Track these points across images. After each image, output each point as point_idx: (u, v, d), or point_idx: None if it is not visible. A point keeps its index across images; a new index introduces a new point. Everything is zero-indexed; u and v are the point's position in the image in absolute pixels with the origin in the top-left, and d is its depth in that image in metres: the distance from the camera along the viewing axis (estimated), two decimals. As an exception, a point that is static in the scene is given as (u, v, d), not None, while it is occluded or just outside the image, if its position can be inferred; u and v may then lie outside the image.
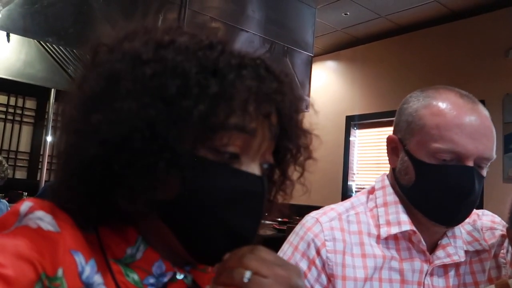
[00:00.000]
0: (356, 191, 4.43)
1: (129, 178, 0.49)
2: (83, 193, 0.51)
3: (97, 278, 0.51)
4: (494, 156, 0.89)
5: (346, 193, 4.41)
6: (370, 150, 4.44)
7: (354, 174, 4.51)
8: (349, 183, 4.45)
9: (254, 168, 0.54)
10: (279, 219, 3.69)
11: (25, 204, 0.51)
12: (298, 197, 0.65)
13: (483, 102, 3.60)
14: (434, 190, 0.89)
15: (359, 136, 4.59)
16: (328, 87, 4.87)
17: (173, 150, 0.48)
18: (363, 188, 4.15)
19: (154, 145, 0.48)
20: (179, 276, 0.56)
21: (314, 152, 0.63)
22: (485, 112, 0.90)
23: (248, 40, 2.76)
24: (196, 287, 0.57)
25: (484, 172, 0.90)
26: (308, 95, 3.09)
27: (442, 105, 0.90)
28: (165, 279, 0.55)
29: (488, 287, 0.91)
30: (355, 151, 4.57)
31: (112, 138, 0.48)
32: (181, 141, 0.49)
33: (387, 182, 0.99)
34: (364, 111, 4.44)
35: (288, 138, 0.58)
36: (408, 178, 0.92)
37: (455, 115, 0.87)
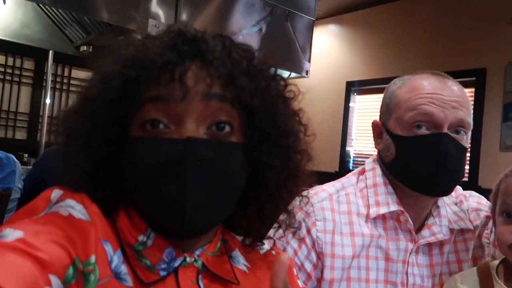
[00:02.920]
0: (354, 157, 4.46)
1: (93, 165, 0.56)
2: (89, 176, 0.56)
3: (124, 268, 0.53)
4: (470, 122, 0.93)
5: (344, 159, 4.44)
6: (370, 116, 4.44)
7: (352, 140, 4.53)
8: (347, 148, 4.47)
9: (186, 133, 0.53)
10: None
11: (56, 192, 0.54)
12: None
13: (484, 70, 3.57)
14: (413, 160, 0.92)
15: (358, 102, 4.57)
16: (329, 52, 4.81)
17: (106, 133, 0.55)
18: (361, 154, 4.17)
19: (95, 136, 0.55)
20: (189, 260, 0.58)
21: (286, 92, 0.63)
22: (456, 85, 0.95)
23: (249, 4, 2.71)
24: (206, 270, 0.59)
25: (464, 141, 0.93)
26: (309, 60, 3.06)
27: (415, 82, 0.95)
28: (176, 264, 0.57)
29: (471, 269, 0.94)
30: (355, 117, 4.57)
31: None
32: (111, 126, 0.55)
33: (377, 163, 1.03)
34: (365, 77, 4.41)
35: (237, 85, 0.56)
36: (389, 155, 0.96)
37: (424, 87, 0.93)
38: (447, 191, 0.95)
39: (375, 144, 1.03)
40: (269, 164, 0.59)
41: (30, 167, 2.74)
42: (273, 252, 0.70)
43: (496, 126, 3.40)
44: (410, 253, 0.96)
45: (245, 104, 0.57)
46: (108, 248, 0.52)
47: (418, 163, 0.91)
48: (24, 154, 3.60)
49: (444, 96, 0.90)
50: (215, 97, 0.55)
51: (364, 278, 0.94)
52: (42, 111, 3.89)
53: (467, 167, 3.48)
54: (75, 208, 0.52)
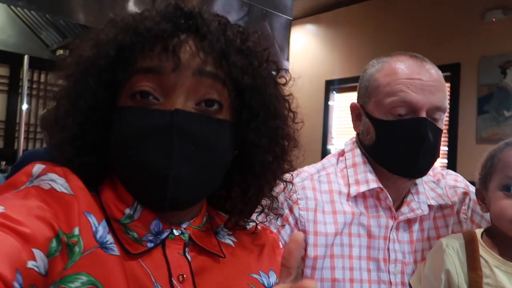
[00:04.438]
0: (335, 155, 4.50)
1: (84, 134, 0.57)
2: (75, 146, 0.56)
3: (109, 238, 0.53)
4: (447, 105, 0.95)
5: (325, 157, 4.47)
6: (349, 114, 4.47)
7: (333, 138, 4.56)
8: (328, 146, 4.51)
9: (175, 105, 0.54)
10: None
11: (37, 166, 0.53)
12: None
13: (459, 65, 3.61)
14: (392, 143, 0.95)
15: (338, 100, 4.61)
16: (307, 51, 4.84)
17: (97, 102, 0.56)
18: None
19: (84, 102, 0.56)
20: (176, 233, 0.59)
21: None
22: (433, 68, 0.97)
23: (227, 4, 2.71)
24: (193, 243, 0.60)
25: (440, 122, 0.95)
26: (288, 59, 3.08)
27: (393, 65, 0.97)
28: (163, 236, 0.57)
29: (457, 234, 0.97)
30: (335, 115, 4.60)
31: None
32: (102, 95, 0.56)
33: (355, 144, 1.05)
34: (344, 75, 4.45)
35: (230, 62, 0.57)
36: (369, 138, 0.98)
37: (403, 71, 0.95)
38: (424, 173, 0.98)
39: (354, 126, 1.06)
40: (256, 143, 0.60)
41: (8, 175, 2.68)
42: (259, 227, 0.71)
43: (472, 120, 3.47)
44: (391, 230, 0.99)
45: (236, 81, 0.58)
46: (92, 219, 0.52)
47: (398, 147, 0.93)
48: (2, 162, 3.53)
49: (423, 81, 0.92)
50: (207, 75, 0.56)
51: (347, 255, 0.96)
52: (18, 118, 3.81)
53: (445, 160, 3.55)
54: (57, 181, 0.51)
